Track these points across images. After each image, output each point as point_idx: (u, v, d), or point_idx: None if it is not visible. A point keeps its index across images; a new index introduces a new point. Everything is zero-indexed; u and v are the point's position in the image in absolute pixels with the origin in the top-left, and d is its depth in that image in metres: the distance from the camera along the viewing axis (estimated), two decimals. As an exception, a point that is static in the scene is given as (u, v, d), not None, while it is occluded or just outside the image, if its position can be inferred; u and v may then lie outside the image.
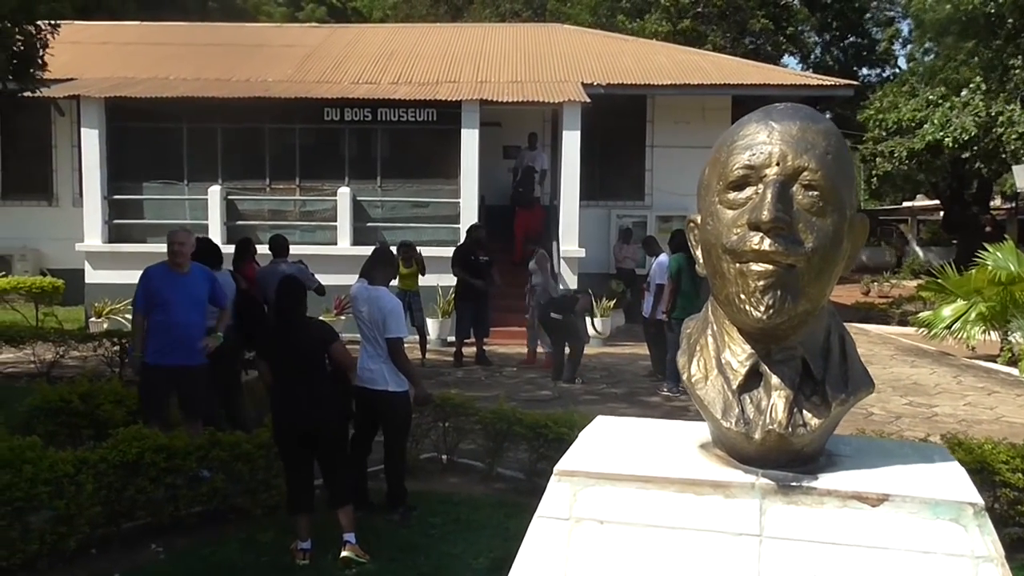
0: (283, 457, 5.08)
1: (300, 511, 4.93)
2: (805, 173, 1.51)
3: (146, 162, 14.51)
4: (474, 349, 11.79)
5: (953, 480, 1.59)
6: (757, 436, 1.55)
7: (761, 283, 1.49)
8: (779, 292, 1.49)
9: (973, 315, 12.26)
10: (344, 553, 4.78)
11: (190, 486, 5.32)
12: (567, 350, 10.62)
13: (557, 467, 1.65)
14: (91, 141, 14.02)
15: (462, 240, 12.40)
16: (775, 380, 1.57)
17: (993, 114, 20.43)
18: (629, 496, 1.58)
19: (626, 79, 15.49)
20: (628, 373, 11.15)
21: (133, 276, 14.25)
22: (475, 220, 13.75)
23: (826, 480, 1.56)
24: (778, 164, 1.51)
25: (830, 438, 1.67)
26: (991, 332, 12.38)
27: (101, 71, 15.68)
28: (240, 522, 5.39)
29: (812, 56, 34.93)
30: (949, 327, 12.41)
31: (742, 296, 1.52)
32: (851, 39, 35.11)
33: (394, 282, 6.60)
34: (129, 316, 13.41)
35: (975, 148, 21.06)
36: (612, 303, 13.90)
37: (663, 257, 10.48)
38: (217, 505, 5.42)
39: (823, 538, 1.49)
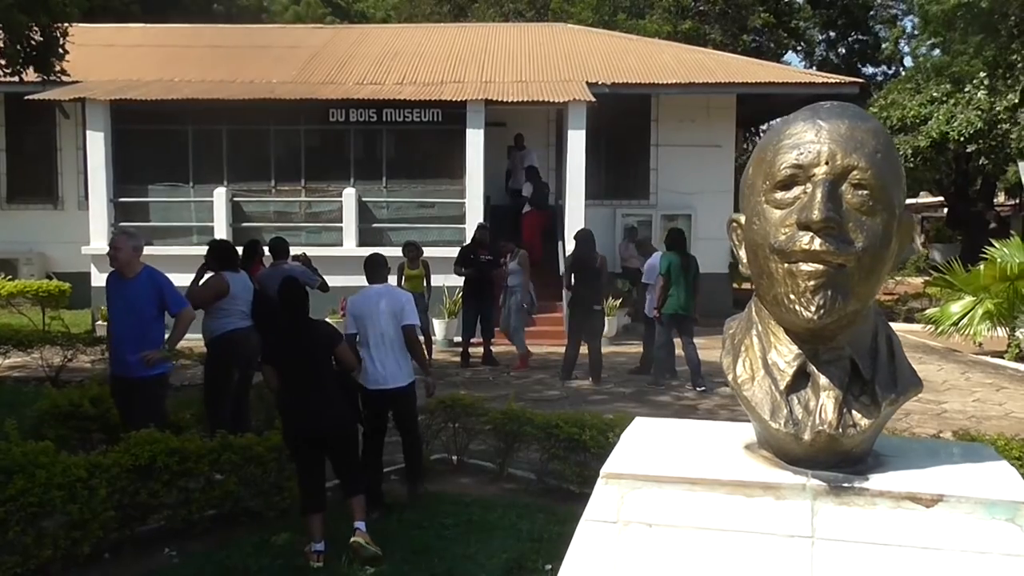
0: (295, 459, 5.17)
1: (313, 511, 4.99)
2: (855, 172, 1.49)
3: (151, 164, 14.53)
4: (481, 349, 11.78)
5: (1006, 479, 1.58)
6: (807, 437, 1.54)
7: (811, 283, 1.48)
8: (829, 292, 1.48)
9: (980, 312, 12.24)
10: (354, 539, 4.86)
11: (203, 489, 5.32)
12: (580, 350, 10.57)
13: (604, 470, 1.65)
14: (96, 144, 14.04)
15: (468, 240, 12.42)
16: (823, 380, 1.56)
17: (998, 109, 20.39)
18: (677, 498, 1.57)
19: (631, 78, 15.47)
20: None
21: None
22: (481, 220, 13.76)
23: (877, 481, 1.55)
24: (827, 163, 1.50)
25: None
26: (998, 328, 12.36)
27: (106, 73, 15.69)
28: (253, 525, 5.39)
29: (815, 54, 34.90)
30: (956, 324, 12.39)
31: (792, 296, 1.51)
32: (855, 36, 35.00)
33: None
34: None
35: (980, 143, 21.03)
36: (618, 302, 13.88)
37: (654, 258, 10.62)
38: (230, 508, 5.42)
39: (876, 539, 1.48)
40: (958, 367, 11.69)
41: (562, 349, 11.11)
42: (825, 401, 1.55)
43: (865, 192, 1.49)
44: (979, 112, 20.46)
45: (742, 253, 1.68)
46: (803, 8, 31.38)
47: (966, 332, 12.29)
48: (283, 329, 5.30)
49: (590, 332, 10.48)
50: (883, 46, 34.35)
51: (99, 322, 13.31)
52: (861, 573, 1.46)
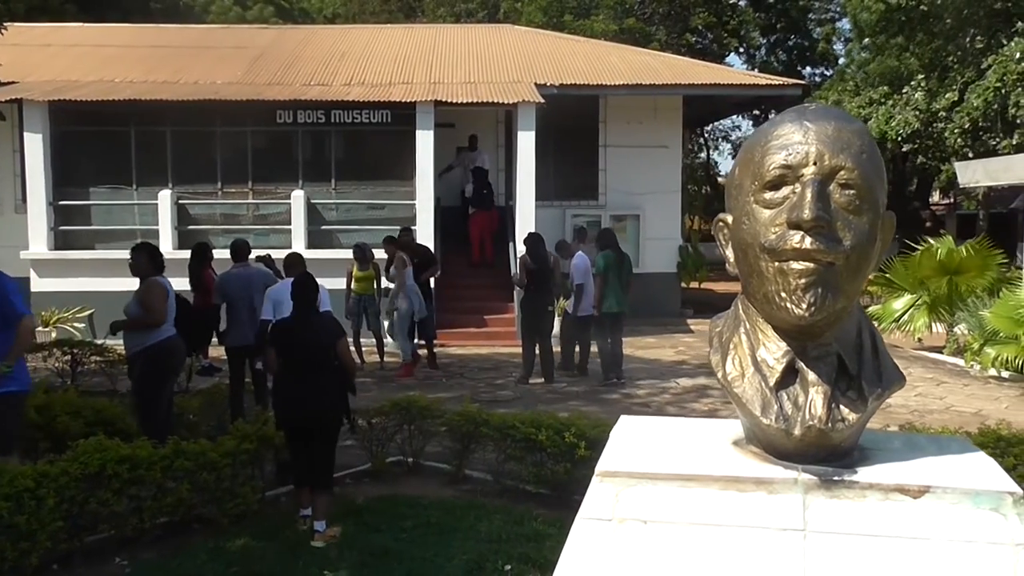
0: (288, 440, 5.46)
1: (305, 484, 5.35)
2: (842, 172, 1.53)
3: (93, 167, 14.23)
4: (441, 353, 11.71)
5: (988, 470, 1.64)
6: (797, 432, 1.57)
7: (802, 281, 1.52)
8: (819, 289, 1.52)
9: (921, 308, 12.60)
10: (314, 543, 5.07)
11: (155, 497, 5.22)
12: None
13: (598, 468, 1.67)
14: (35, 146, 13.69)
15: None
16: (812, 376, 1.60)
17: (936, 108, 20.99)
18: (672, 495, 1.59)
19: (579, 79, 15.57)
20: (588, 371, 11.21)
21: (81, 284, 13.90)
22: (431, 221, 13.75)
23: (865, 474, 1.59)
24: (815, 163, 1.54)
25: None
26: (936, 324, 12.73)
27: (44, 74, 15.31)
28: (206, 532, 5.31)
29: (757, 57, 35.52)
30: (898, 320, 12.73)
31: (782, 294, 1.54)
32: (795, 39, 35.71)
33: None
34: (78, 324, 13.21)
35: (917, 142, 21.64)
36: (568, 302, 13.93)
37: (579, 258, 10.81)
38: (182, 515, 5.33)
39: (866, 531, 1.52)
40: (899, 362, 11.65)
41: (514, 349, 11.14)
42: (814, 396, 1.58)
43: (852, 192, 1.54)
44: (917, 112, 21.04)
45: (729, 252, 1.71)
46: (744, 11, 31.90)
47: (907, 329, 12.63)
48: (293, 320, 5.52)
49: (542, 332, 10.56)
50: (819, 47, 35.13)
51: (40, 328, 12.99)
52: (852, 564, 1.50)
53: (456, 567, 4.74)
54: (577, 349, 11.12)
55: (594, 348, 10.73)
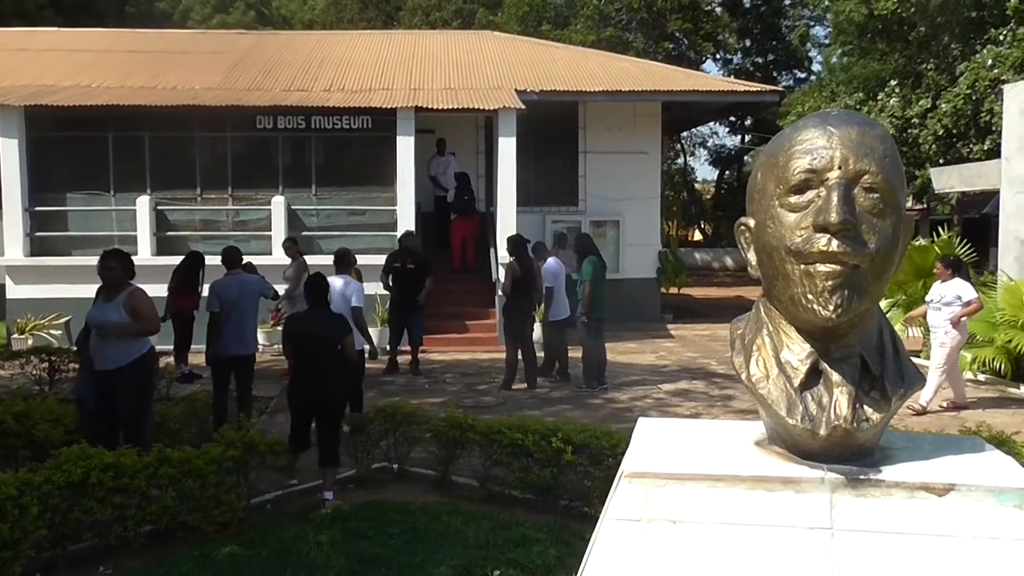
0: (293, 415, 6.33)
1: (300, 450, 6.34)
2: (866, 176, 1.56)
3: (70, 172, 14.07)
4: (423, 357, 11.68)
5: (1008, 468, 1.67)
6: (823, 432, 1.60)
7: (829, 283, 1.55)
8: (846, 292, 1.55)
9: (898, 311, 12.72)
10: (324, 511, 5.77)
11: (139, 505, 5.17)
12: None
13: (626, 469, 1.68)
14: (10, 151, 13.53)
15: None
16: (836, 377, 1.63)
17: (910, 114, 21.25)
18: (700, 495, 1.61)
19: (558, 86, 15.61)
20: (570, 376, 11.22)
21: (58, 290, 13.78)
22: (411, 227, 13.71)
23: (890, 472, 1.62)
24: (840, 167, 1.56)
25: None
26: (912, 328, 12.87)
27: (19, 79, 15.14)
28: (192, 540, 5.27)
29: (733, 63, 35.81)
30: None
31: (809, 296, 1.57)
32: (772, 44, 36.02)
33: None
34: (55, 332, 13.06)
35: (892, 148, 21.90)
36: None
37: (550, 262, 10.88)
38: (167, 524, 5.28)
39: (893, 528, 1.54)
40: (878, 365, 12.07)
41: (496, 355, 11.13)
42: (839, 397, 1.61)
43: (876, 195, 1.57)
44: (892, 119, 21.28)
45: (751, 255, 1.73)
46: (721, 17, 32.15)
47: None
48: (307, 315, 6.52)
49: (524, 337, 10.57)
50: (795, 52, 35.46)
51: (16, 335, 12.86)
52: (880, 562, 1.52)
53: (444, 573, 4.73)
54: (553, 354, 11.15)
55: (576, 353, 10.73)
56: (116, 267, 6.28)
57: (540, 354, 11.13)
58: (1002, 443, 5.30)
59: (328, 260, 11.28)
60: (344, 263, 8.98)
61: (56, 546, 4.85)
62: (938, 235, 14.02)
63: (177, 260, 11.46)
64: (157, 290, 11.34)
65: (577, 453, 5.69)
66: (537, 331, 11.73)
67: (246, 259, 10.39)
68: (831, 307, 1.55)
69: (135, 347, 6.18)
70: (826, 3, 23.55)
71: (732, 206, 35.77)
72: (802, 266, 1.57)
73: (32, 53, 17.11)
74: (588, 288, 10.18)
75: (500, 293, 11.07)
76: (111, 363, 6.10)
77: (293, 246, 11.70)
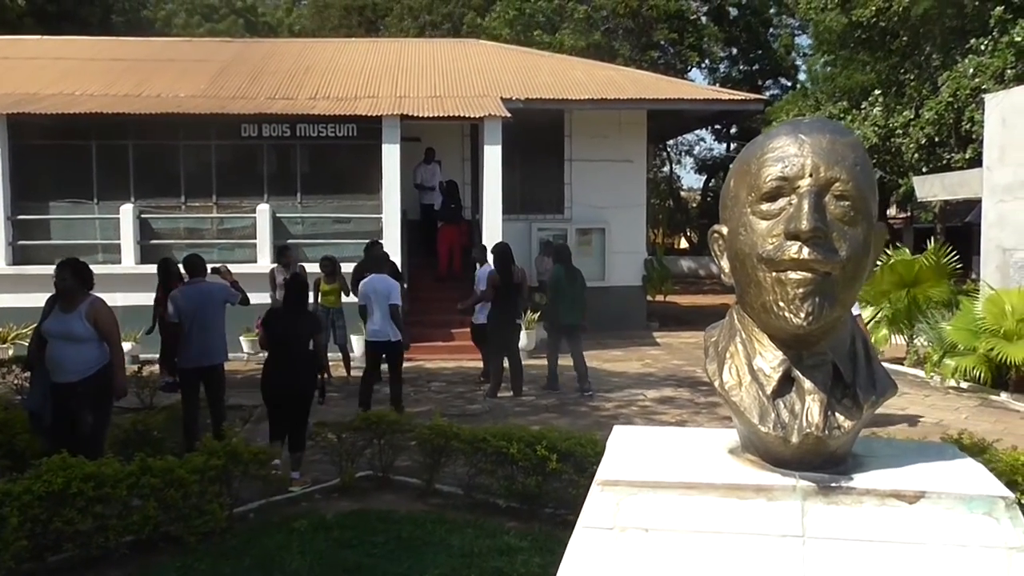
0: (269, 407, 6.85)
1: (278, 439, 6.76)
2: (837, 184, 1.57)
3: (53, 180, 14.01)
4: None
5: (979, 476, 1.68)
6: (795, 440, 1.60)
7: (800, 290, 1.55)
8: (817, 299, 1.55)
9: (883, 320, 12.81)
10: (292, 488, 6.39)
11: (121, 515, 5.12)
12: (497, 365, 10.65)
13: (599, 477, 1.67)
14: (-8, 159, 13.45)
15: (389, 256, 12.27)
16: (808, 384, 1.63)
17: (893, 124, 21.43)
18: (672, 503, 1.61)
19: (544, 94, 15.65)
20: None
21: (40, 300, 13.74)
22: (397, 235, 13.70)
23: (861, 480, 1.62)
24: (811, 175, 1.57)
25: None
26: (895, 337, 12.97)
27: (2, 87, 15.05)
28: (174, 551, 5.22)
29: (719, 71, 36.02)
30: (860, 332, 12.92)
31: (780, 303, 1.57)
32: (757, 53, 36.27)
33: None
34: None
35: (875, 157, 22.06)
36: (536, 315, 13.99)
37: (484, 268, 11.24)
38: (149, 534, 5.24)
39: (863, 536, 1.55)
40: (862, 373, 12.13)
41: (480, 364, 11.10)
42: (811, 404, 1.61)
43: (847, 203, 1.57)
44: (875, 128, 21.45)
45: (724, 263, 1.73)
46: (706, 26, 32.35)
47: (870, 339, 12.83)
48: (284, 312, 7.07)
49: (509, 346, 10.58)
50: (782, 62, 35.71)
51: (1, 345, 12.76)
52: (851, 569, 1.53)
53: (429, 582, 4.71)
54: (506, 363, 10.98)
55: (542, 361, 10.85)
56: (67, 277, 6.09)
57: (527, 361, 11.14)
58: (983, 451, 5.34)
59: (314, 268, 11.31)
60: (384, 264, 9.89)
61: (36, 557, 4.80)
62: (925, 247, 14.10)
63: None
64: (140, 299, 11.38)
65: (562, 461, 5.68)
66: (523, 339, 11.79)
67: (222, 264, 10.16)
68: (802, 314, 1.55)
69: (96, 358, 6.02)
70: (811, 14, 23.72)
71: (718, 214, 35.91)
72: (774, 273, 1.57)
73: (15, 61, 17.03)
74: (549, 294, 10.49)
75: (479, 299, 11.02)
76: (72, 375, 5.92)
77: (288, 255, 11.59)
